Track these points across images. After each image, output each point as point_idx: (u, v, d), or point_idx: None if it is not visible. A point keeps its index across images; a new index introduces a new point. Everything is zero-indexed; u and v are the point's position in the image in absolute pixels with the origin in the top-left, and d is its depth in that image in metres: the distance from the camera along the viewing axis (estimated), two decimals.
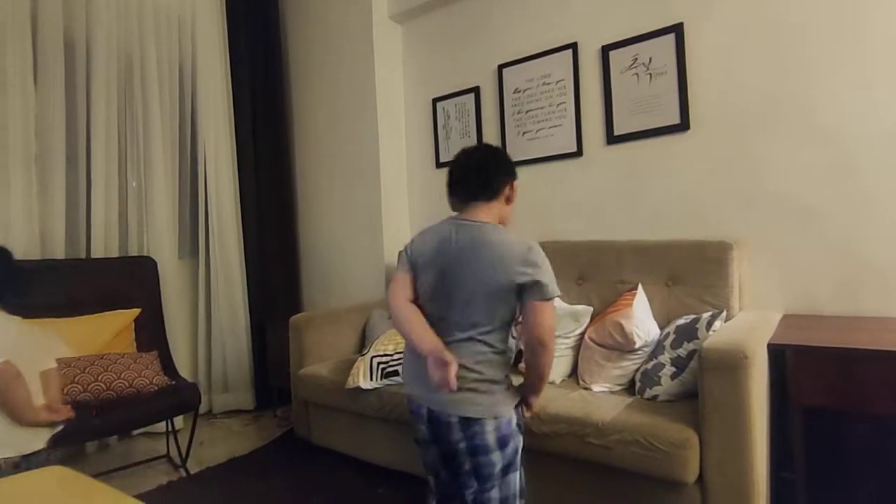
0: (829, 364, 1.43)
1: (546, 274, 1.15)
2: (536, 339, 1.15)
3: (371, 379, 1.93)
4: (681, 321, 1.72)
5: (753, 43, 1.93)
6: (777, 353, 1.50)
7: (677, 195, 2.12)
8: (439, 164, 2.89)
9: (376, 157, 2.87)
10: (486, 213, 1.24)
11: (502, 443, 1.17)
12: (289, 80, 3.32)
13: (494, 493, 1.19)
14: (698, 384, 1.38)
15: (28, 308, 2.02)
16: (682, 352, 1.61)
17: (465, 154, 1.30)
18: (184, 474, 2.18)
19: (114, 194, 2.59)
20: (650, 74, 2.13)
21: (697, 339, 1.59)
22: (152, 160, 2.73)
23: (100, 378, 1.91)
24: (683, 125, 2.07)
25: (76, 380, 1.87)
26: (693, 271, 1.88)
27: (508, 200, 1.29)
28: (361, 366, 1.97)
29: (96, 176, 2.52)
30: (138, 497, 1.02)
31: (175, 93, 2.89)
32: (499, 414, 1.17)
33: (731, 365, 1.32)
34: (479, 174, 1.25)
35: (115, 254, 2.57)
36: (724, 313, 1.70)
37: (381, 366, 1.94)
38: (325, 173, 3.17)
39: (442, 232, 1.24)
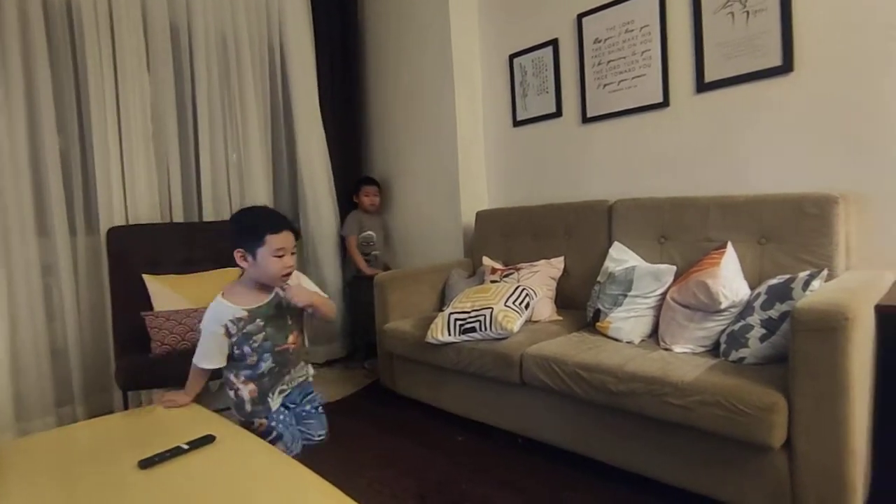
0: None
1: None
2: None
3: (449, 334, 2.03)
4: (774, 281, 1.61)
5: None
6: (888, 317, 1.37)
7: (773, 145, 1.94)
8: (516, 123, 2.85)
9: (453, 118, 2.89)
10: None
11: None
12: (367, 48, 3.40)
13: None
14: (789, 346, 1.30)
15: (156, 265, 2.35)
16: (773, 313, 1.51)
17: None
18: None
19: (220, 166, 2.86)
20: (747, 12, 1.93)
21: (792, 299, 1.48)
22: (249, 135, 2.96)
23: None
24: (785, 67, 1.86)
25: (194, 328, 2.14)
26: (790, 228, 1.73)
27: None
28: (440, 321, 2.07)
29: (203, 150, 2.79)
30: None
31: (265, 69, 3.07)
32: None
33: (828, 327, 1.22)
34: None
35: (223, 218, 2.85)
36: (825, 272, 1.56)
37: (459, 322, 2.02)
38: (404, 139, 3.24)
39: None
